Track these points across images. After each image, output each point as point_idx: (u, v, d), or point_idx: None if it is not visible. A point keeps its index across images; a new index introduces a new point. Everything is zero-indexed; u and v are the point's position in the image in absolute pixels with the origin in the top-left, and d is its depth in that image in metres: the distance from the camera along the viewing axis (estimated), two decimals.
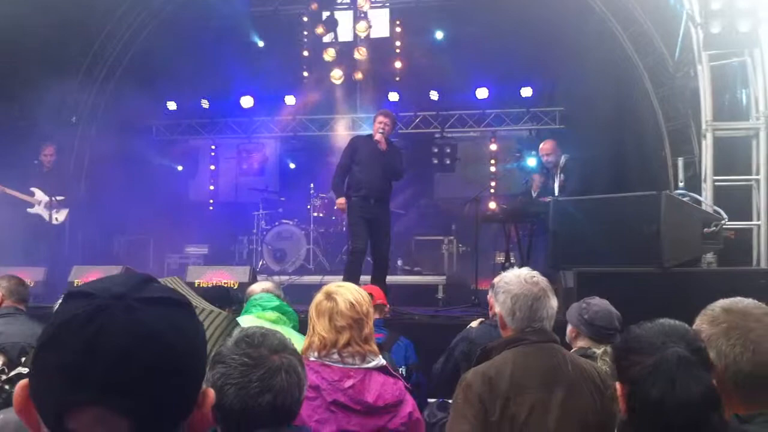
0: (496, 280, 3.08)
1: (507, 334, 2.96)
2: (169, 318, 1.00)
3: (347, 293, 2.92)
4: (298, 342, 3.69)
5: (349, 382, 2.76)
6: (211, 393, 1.09)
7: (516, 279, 2.97)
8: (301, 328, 4.11)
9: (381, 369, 2.89)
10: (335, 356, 2.81)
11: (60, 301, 1.05)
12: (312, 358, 2.83)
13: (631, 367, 2.02)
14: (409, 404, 2.90)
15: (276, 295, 4.30)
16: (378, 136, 8.00)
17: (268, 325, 3.78)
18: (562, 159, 8.84)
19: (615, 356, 2.15)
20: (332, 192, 8.65)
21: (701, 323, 2.25)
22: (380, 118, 8.16)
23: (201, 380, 1.06)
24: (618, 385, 2.09)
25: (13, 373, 4.13)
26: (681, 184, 7.88)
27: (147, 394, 0.95)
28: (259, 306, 4.02)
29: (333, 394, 2.72)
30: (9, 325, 4.64)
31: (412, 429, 2.87)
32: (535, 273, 3.04)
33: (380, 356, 2.93)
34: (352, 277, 7.65)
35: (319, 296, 2.97)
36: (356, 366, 2.81)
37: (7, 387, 3.55)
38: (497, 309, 3.01)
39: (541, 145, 9.27)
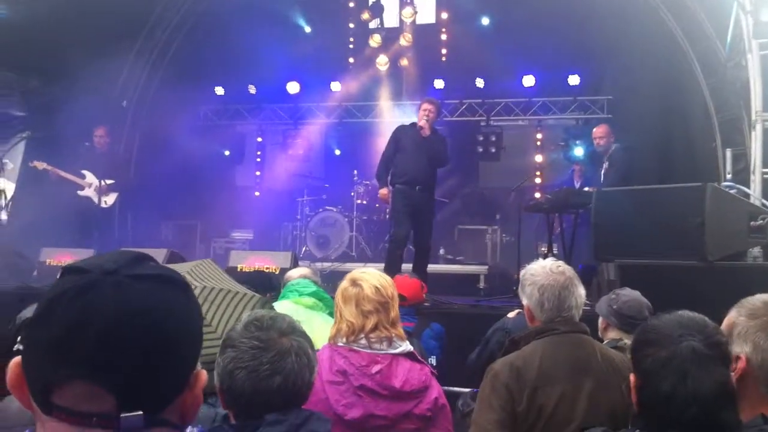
0: (521, 273, 3.07)
1: (536, 326, 2.94)
2: (160, 295, 0.99)
3: (371, 278, 2.97)
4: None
5: (376, 368, 2.80)
6: (204, 374, 1.07)
7: (542, 270, 2.95)
8: None
9: (408, 355, 2.92)
10: (363, 341, 2.85)
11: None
12: (340, 344, 2.87)
13: (644, 359, 1.98)
14: (435, 390, 2.93)
15: (313, 281, 4.35)
16: (422, 122, 8.01)
17: (304, 311, 3.86)
18: (613, 147, 8.73)
19: (631, 347, 2.11)
20: (377, 182, 8.66)
21: (738, 315, 2.19)
22: (425, 105, 8.18)
23: (194, 360, 1.05)
24: (632, 377, 2.05)
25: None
26: (728, 176, 7.73)
27: (134, 371, 0.94)
28: (296, 291, 4.08)
29: (360, 379, 2.76)
30: None
31: (438, 414, 2.90)
32: (561, 263, 3.02)
33: (407, 342, 2.96)
34: (393, 264, 7.69)
35: (344, 283, 3.02)
36: (384, 351, 2.85)
37: None
38: (525, 302, 2.99)
39: (594, 129, 9.19)
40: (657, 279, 5.28)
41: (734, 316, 2.20)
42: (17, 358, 1.00)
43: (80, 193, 9.82)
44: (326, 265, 10.51)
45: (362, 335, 2.85)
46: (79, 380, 0.94)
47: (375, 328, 2.86)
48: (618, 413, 2.67)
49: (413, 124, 8.23)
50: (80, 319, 0.93)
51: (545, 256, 7.92)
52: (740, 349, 2.13)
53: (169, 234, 13.45)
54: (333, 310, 3.99)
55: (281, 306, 3.81)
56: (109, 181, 9.85)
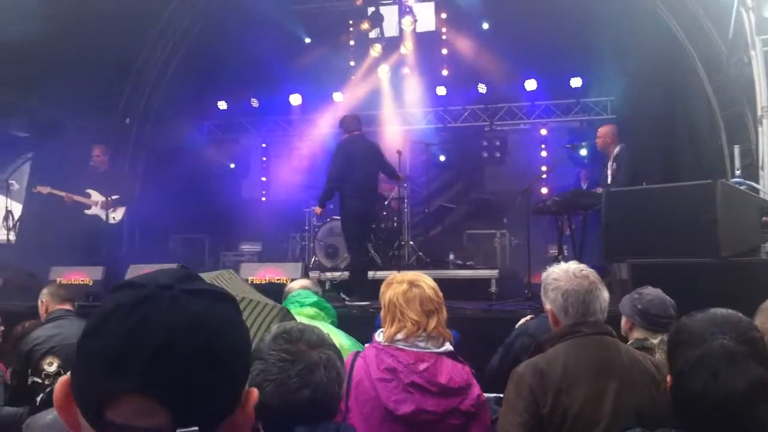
0: (543, 276, 3.03)
1: (560, 329, 2.92)
2: (214, 311, 0.99)
3: (427, 280, 3.13)
4: (337, 338, 3.75)
5: (423, 365, 2.91)
6: (255, 392, 1.06)
7: (565, 274, 2.91)
8: (340, 323, 4.16)
9: (449, 354, 3.04)
10: (410, 340, 2.97)
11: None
12: (383, 344, 3.00)
13: (678, 359, 1.98)
14: (477, 387, 3.04)
15: (314, 292, 4.35)
16: None
17: (306, 321, 3.86)
18: (618, 148, 8.71)
19: (667, 348, 2.11)
20: None
21: None
22: None
23: (245, 377, 1.04)
24: (668, 377, 2.06)
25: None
26: (737, 173, 7.72)
27: (189, 385, 0.93)
28: (297, 302, 4.07)
29: (410, 376, 2.88)
30: (61, 328, 4.69)
31: (480, 410, 3.00)
32: (584, 266, 2.98)
33: (449, 342, 3.07)
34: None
35: (401, 287, 3.09)
36: (428, 350, 2.97)
37: None
38: (548, 306, 2.96)
39: (599, 129, 9.18)
40: (670, 277, 5.23)
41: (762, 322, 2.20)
42: (65, 377, 0.99)
43: (87, 212, 9.75)
44: (336, 274, 10.48)
45: (423, 333, 2.96)
46: (134, 394, 0.92)
47: (435, 326, 2.99)
48: (645, 413, 2.64)
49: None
50: (137, 331, 0.93)
51: (557, 259, 7.93)
52: None
53: (177, 248, 13.48)
54: (335, 320, 4.07)
55: None
56: (114, 197, 9.79)
